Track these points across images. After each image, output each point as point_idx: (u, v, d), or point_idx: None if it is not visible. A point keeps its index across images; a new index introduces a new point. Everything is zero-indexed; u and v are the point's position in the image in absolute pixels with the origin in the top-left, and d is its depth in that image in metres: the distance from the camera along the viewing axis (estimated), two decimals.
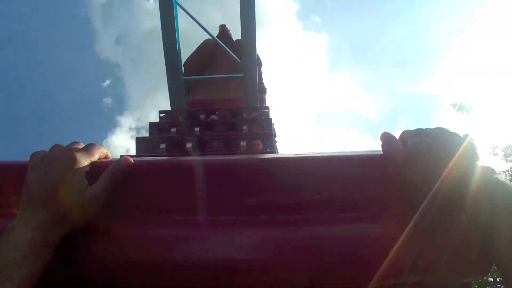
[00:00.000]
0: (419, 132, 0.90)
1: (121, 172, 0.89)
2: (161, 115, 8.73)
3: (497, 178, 0.81)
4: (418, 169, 0.85)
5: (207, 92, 10.54)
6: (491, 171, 0.82)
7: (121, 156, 0.98)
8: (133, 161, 0.91)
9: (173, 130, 8.09)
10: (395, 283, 0.83)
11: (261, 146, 7.31)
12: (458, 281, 0.96)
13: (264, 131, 7.71)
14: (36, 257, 0.77)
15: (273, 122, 8.27)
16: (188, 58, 11.03)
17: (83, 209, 0.84)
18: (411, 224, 0.79)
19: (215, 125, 8.05)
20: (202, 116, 8.51)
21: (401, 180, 0.87)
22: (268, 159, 0.93)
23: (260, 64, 11.13)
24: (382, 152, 0.92)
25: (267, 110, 8.63)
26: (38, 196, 0.82)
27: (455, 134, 0.90)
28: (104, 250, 0.86)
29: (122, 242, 0.85)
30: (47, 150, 0.93)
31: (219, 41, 9.63)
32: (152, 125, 8.23)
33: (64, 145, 0.94)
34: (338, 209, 0.85)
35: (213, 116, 8.47)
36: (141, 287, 0.84)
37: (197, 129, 8.07)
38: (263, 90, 10.88)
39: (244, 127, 7.89)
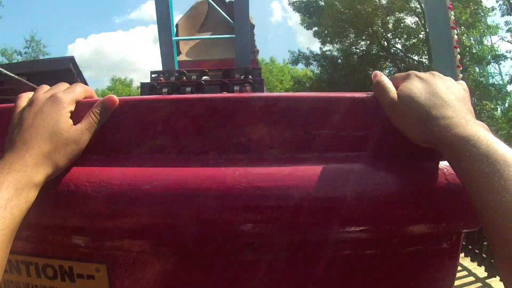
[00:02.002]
0: (410, 76, 0.87)
1: (105, 111, 0.88)
2: (153, 75, 8.68)
3: (489, 133, 0.73)
4: (408, 115, 0.82)
5: (198, 53, 10.48)
6: (483, 125, 0.76)
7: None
8: (118, 100, 0.90)
9: (165, 90, 8.08)
10: None
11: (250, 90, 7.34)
12: None
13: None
14: (19, 198, 0.75)
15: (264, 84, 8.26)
16: (180, 19, 10.94)
17: (67, 149, 0.84)
18: None
19: (205, 86, 8.01)
20: (194, 77, 8.48)
21: (390, 125, 0.85)
22: (258, 96, 0.91)
23: (252, 25, 11.04)
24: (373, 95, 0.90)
25: (258, 71, 8.58)
26: (21, 138, 0.82)
27: (449, 79, 0.88)
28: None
29: (106, 180, 0.83)
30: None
31: (212, 2, 9.53)
32: (143, 85, 8.21)
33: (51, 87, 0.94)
34: (327, 149, 0.85)
35: (204, 77, 8.42)
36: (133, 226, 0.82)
37: (188, 89, 8.04)
38: (255, 51, 10.84)
39: (236, 88, 7.88)
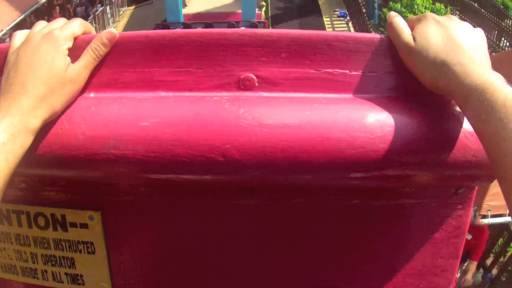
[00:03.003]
0: (427, 18, 0.83)
1: (103, 46, 0.84)
2: (158, 27, 8.66)
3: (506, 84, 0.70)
4: (423, 59, 0.78)
5: (204, 5, 10.38)
6: (500, 76, 0.72)
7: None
8: (118, 34, 0.86)
9: None
10: None
11: None
12: None
13: None
14: (14, 143, 0.73)
15: None
16: None
17: (64, 90, 0.80)
18: None
19: None
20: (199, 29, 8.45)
21: (402, 67, 0.81)
22: (263, 32, 0.83)
23: None
24: (387, 35, 0.85)
25: (263, 25, 8.55)
26: (17, 80, 0.79)
27: (467, 25, 0.83)
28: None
29: (101, 118, 0.79)
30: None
31: None
32: (157, 26, 8.21)
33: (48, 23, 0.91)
34: (333, 88, 0.81)
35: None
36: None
37: None
38: (261, 5, 10.73)
39: None
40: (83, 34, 0.86)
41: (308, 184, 0.81)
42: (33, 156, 0.77)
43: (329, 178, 0.78)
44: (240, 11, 8.76)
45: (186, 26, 8.42)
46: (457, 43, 0.76)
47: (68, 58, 0.81)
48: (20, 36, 0.85)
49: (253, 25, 8.40)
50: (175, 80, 0.81)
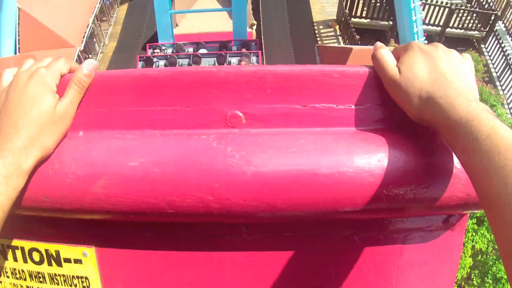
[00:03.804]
0: (412, 48, 0.82)
1: (85, 77, 0.84)
2: (150, 48, 8.69)
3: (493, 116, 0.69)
4: (409, 92, 0.77)
5: (195, 25, 10.42)
6: (485, 107, 0.71)
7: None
8: (95, 64, 0.87)
9: (161, 63, 8.11)
10: None
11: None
12: None
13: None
14: (7, 185, 0.73)
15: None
16: None
17: (55, 128, 0.80)
18: None
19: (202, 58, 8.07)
20: (191, 49, 8.49)
21: (389, 99, 0.81)
22: (248, 69, 0.83)
23: None
24: (372, 67, 0.84)
25: (255, 44, 8.59)
26: (8, 120, 0.78)
27: (453, 52, 0.83)
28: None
29: (91, 158, 0.79)
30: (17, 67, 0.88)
31: None
32: (140, 58, 8.24)
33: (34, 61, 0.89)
34: (320, 122, 0.82)
35: (201, 50, 8.43)
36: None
37: (185, 62, 8.07)
38: (252, 24, 10.78)
39: (233, 60, 7.90)
40: (69, 71, 0.86)
41: (297, 219, 0.81)
42: (24, 196, 0.77)
43: (318, 213, 0.77)
44: (231, 30, 8.80)
45: (178, 46, 8.47)
46: (443, 75, 0.76)
47: (57, 95, 0.81)
48: (8, 75, 0.85)
49: (245, 44, 8.44)
50: (162, 118, 0.82)
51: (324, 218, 0.80)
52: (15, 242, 0.90)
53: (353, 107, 0.81)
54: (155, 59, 8.11)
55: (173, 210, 0.76)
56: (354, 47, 8.14)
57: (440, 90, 0.73)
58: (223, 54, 7.92)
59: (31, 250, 0.89)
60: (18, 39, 9.43)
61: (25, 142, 0.75)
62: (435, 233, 0.87)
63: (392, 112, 0.81)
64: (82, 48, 9.92)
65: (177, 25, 10.31)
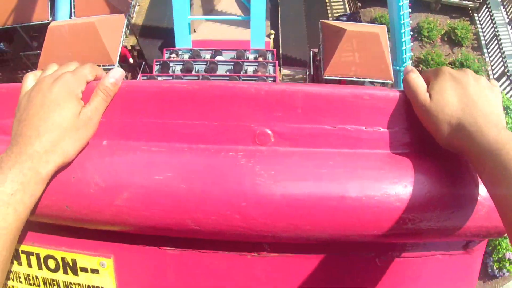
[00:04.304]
0: (443, 73, 0.82)
1: (112, 86, 0.83)
2: (167, 53, 8.73)
3: None
4: (438, 118, 0.77)
5: (213, 32, 10.48)
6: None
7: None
8: (122, 73, 0.86)
9: (178, 68, 8.16)
10: None
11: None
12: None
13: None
14: (25, 192, 0.71)
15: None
16: None
17: (78, 134, 0.79)
18: None
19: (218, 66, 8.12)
20: (207, 56, 8.53)
21: (418, 123, 0.81)
22: (279, 87, 0.83)
23: (268, 6, 11.00)
24: (402, 91, 0.84)
25: (272, 54, 8.61)
26: (28, 122, 0.77)
27: (482, 79, 0.82)
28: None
29: (114, 169, 0.78)
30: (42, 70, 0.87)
31: None
32: (157, 62, 8.29)
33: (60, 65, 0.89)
34: (348, 144, 0.81)
35: (218, 57, 8.47)
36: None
37: (201, 68, 8.12)
38: (269, 34, 10.80)
39: (249, 69, 7.93)
40: (95, 78, 0.85)
41: (322, 241, 0.80)
42: (44, 203, 0.76)
43: (344, 236, 0.77)
44: (248, 38, 8.83)
45: (195, 52, 8.51)
46: (473, 102, 0.75)
47: (81, 102, 0.80)
48: (31, 78, 0.84)
49: (262, 53, 8.46)
50: (189, 132, 0.81)
51: (349, 240, 0.79)
52: (31, 248, 0.88)
53: (382, 130, 0.81)
54: (171, 64, 8.15)
55: (198, 227, 0.75)
56: (349, 28, 8.76)
57: (469, 117, 0.73)
58: (240, 62, 7.94)
59: (47, 257, 0.88)
60: (74, 4, 9.93)
61: (45, 147, 0.73)
62: (454, 257, 0.86)
63: (420, 137, 0.81)
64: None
65: (194, 31, 10.35)
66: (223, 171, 0.75)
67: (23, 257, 0.90)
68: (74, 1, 9.97)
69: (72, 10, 9.93)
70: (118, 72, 0.84)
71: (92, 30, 8.82)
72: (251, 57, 8.42)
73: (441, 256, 0.86)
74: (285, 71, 11.20)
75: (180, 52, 8.67)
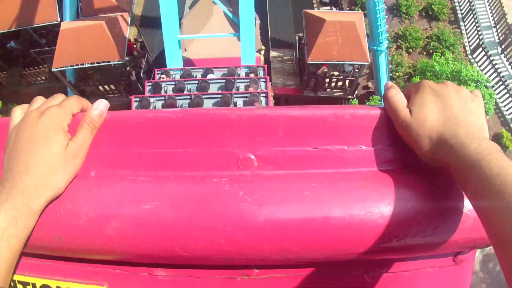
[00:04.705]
0: (424, 87, 0.82)
1: (97, 118, 0.84)
2: (158, 73, 8.74)
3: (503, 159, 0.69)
4: (419, 133, 0.78)
5: (203, 50, 10.51)
6: (495, 145, 0.72)
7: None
8: (106, 104, 0.86)
9: (170, 88, 8.18)
10: None
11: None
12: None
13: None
14: (17, 226, 0.71)
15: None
16: (184, 16, 10.96)
17: (67, 167, 0.79)
18: None
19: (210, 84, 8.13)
20: (199, 75, 8.54)
21: (400, 140, 0.82)
22: (260, 112, 0.84)
23: (257, 23, 11.05)
24: (383, 108, 0.85)
25: (262, 69, 8.61)
26: (17, 157, 0.77)
27: (463, 90, 0.83)
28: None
29: (103, 200, 0.79)
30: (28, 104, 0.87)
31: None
32: (148, 83, 8.29)
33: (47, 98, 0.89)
34: (331, 164, 0.82)
35: (209, 75, 8.47)
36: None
37: (193, 87, 8.12)
38: (260, 49, 10.84)
39: (241, 86, 7.94)
40: (81, 110, 0.86)
41: (309, 261, 0.81)
42: (36, 235, 0.77)
43: (330, 255, 0.77)
44: (239, 55, 8.85)
45: (186, 72, 8.51)
46: (453, 114, 0.76)
47: (68, 135, 0.81)
48: (19, 112, 0.84)
49: (253, 70, 8.45)
50: (175, 160, 0.82)
51: (335, 258, 0.79)
52: (26, 278, 0.89)
53: (364, 148, 0.82)
54: (163, 84, 8.15)
55: (186, 253, 0.76)
56: (328, 18, 10.07)
57: (450, 130, 0.74)
58: (231, 79, 7.94)
59: (43, 287, 0.89)
60: (80, 5, 10.68)
61: (35, 181, 0.74)
62: (444, 269, 0.87)
63: (403, 153, 0.82)
64: None
65: (185, 50, 10.37)
66: (208, 197, 0.75)
67: (19, 287, 0.90)
68: (80, 2, 10.61)
69: (79, 10, 10.63)
70: (102, 104, 0.84)
71: (100, 31, 9.81)
72: (243, 73, 8.42)
73: (430, 269, 0.87)
74: (274, 53, 12.10)
75: (171, 72, 8.67)
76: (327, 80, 11.13)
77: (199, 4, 11.24)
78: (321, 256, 0.77)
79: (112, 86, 11.05)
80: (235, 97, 7.61)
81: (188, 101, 7.74)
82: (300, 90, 11.57)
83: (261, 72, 8.51)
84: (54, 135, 0.78)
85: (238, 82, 8.03)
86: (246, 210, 0.73)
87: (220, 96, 7.62)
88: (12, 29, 11.00)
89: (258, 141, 0.81)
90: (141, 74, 11.15)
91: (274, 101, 9.80)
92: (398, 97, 0.82)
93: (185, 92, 8.02)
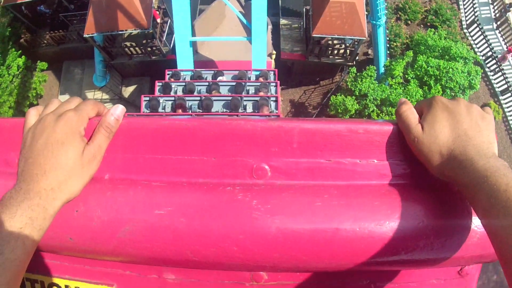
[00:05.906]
0: (436, 103, 0.83)
1: (113, 123, 0.84)
2: (168, 74, 8.77)
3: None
4: (431, 149, 0.78)
5: (214, 53, 10.54)
6: (503, 162, 0.73)
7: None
8: (123, 109, 0.86)
9: (180, 89, 8.19)
10: None
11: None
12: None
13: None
14: (33, 227, 0.72)
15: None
16: (197, 19, 11.00)
17: (83, 171, 0.80)
18: None
19: (220, 86, 8.13)
20: (209, 77, 8.56)
21: (411, 155, 0.82)
22: (275, 124, 0.85)
23: (269, 27, 11.09)
24: (395, 123, 0.86)
25: (273, 74, 8.62)
26: (34, 160, 0.77)
27: (474, 107, 0.83)
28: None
29: (115, 204, 0.80)
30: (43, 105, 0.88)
31: (229, 2, 9.56)
32: (158, 83, 8.32)
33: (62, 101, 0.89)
34: (343, 176, 0.83)
35: (219, 77, 8.48)
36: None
37: (203, 89, 8.13)
38: (271, 54, 10.85)
39: (251, 90, 7.95)
40: (97, 115, 0.86)
41: (319, 270, 0.81)
42: (48, 235, 0.77)
43: (339, 265, 0.78)
44: (250, 59, 8.86)
45: (196, 73, 8.53)
46: (464, 131, 0.77)
47: (85, 139, 0.81)
48: (34, 114, 0.85)
49: (264, 74, 8.45)
50: (189, 167, 0.83)
51: (344, 268, 0.80)
52: (34, 276, 0.90)
53: (376, 162, 0.82)
54: (173, 85, 8.17)
55: (197, 258, 0.76)
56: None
57: (460, 147, 0.75)
58: (242, 83, 7.95)
59: (51, 285, 0.90)
60: None
61: (51, 185, 0.75)
62: (449, 281, 0.88)
63: (413, 168, 0.83)
64: None
65: (196, 52, 10.40)
66: (221, 205, 0.76)
67: (27, 284, 0.91)
68: None
69: None
70: (119, 109, 0.85)
71: (129, 1, 10.85)
72: (253, 77, 8.43)
73: (436, 280, 0.87)
74: (283, 21, 13.34)
75: (182, 73, 8.69)
76: (329, 48, 12.43)
77: (212, 7, 11.29)
78: (330, 266, 0.78)
79: (137, 49, 11.73)
80: (245, 100, 7.61)
81: (198, 102, 7.76)
82: (305, 56, 12.77)
83: (271, 77, 8.51)
84: (71, 140, 0.79)
85: (248, 86, 8.04)
86: (259, 219, 0.74)
87: (230, 98, 7.63)
88: None
89: (272, 152, 0.82)
90: (164, 38, 11.88)
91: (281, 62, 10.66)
92: (410, 113, 0.83)
93: (195, 94, 8.03)
